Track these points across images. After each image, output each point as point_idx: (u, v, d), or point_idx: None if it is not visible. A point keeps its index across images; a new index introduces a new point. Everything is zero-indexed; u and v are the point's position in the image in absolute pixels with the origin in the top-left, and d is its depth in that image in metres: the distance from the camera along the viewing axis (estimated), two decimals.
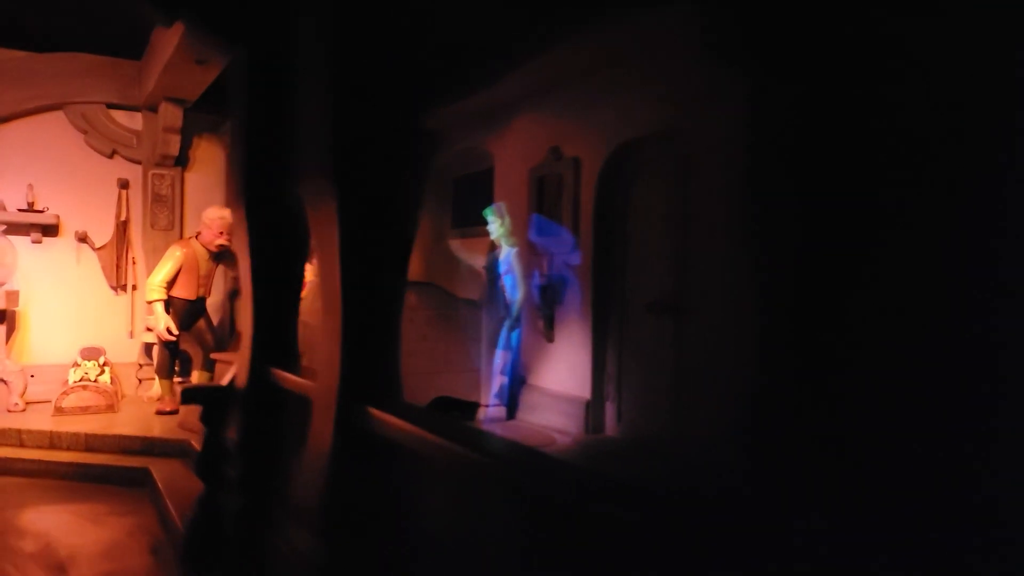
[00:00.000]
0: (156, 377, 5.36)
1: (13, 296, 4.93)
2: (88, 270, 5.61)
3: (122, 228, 5.67)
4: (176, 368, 5.00)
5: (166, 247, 5.60)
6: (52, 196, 5.46)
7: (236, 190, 2.73)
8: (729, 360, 3.53)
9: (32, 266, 5.36)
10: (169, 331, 4.67)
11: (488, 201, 5.11)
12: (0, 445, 4.26)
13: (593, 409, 4.36)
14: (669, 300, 3.87)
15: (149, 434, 4.25)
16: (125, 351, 5.61)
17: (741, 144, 3.44)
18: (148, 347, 5.62)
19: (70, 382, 4.94)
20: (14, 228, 5.25)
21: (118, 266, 5.62)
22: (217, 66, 4.63)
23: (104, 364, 5.16)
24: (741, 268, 3.46)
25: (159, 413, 4.79)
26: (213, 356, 4.77)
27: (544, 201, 4.73)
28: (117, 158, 5.71)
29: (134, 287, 5.70)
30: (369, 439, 1.89)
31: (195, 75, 4.80)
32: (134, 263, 5.71)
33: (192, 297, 4.87)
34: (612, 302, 4.34)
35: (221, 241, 4.80)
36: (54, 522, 3.40)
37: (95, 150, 5.64)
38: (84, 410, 4.75)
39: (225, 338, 5.55)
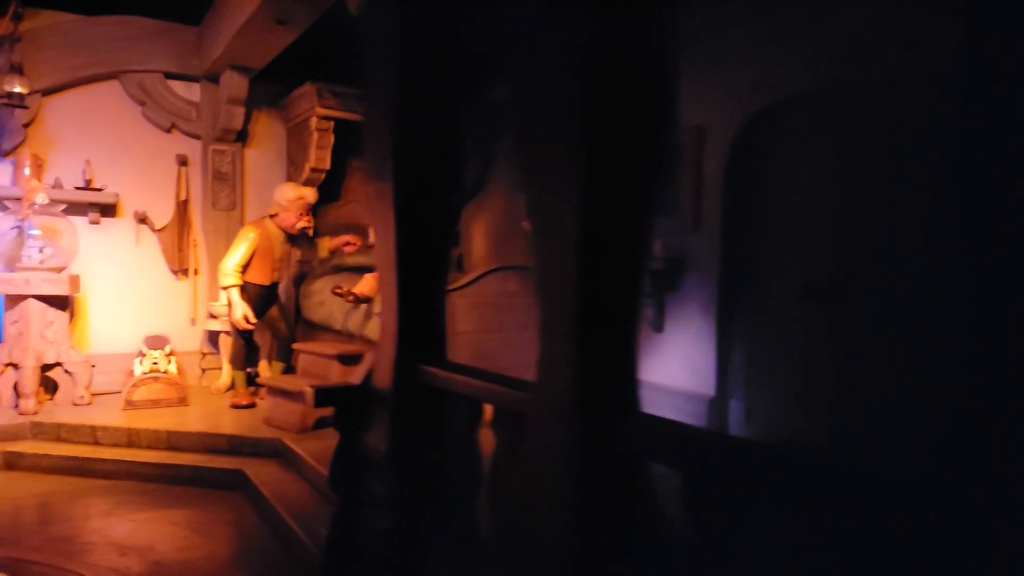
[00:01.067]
0: (223, 367, 5.02)
1: (75, 281, 4.56)
2: (148, 253, 5.24)
3: (182, 208, 5.28)
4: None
5: (228, 228, 5.23)
6: (109, 173, 5.07)
7: (381, 156, 2.34)
8: (905, 352, 3.13)
9: (90, 249, 4.98)
10: (246, 319, 4.31)
11: None
12: (74, 443, 3.91)
13: (717, 407, 3.97)
14: (826, 284, 3.45)
15: (235, 431, 3.90)
16: (187, 339, 5.25)
17: (933, 106, 2.96)
18: (212, 335, 5.26)
19: (136, 373, 4.59)
20: (71, 208, 4.86)
21: (179, 248, 5.24)
22: (298, 27, 4.21)
23: (170, 354, 4.81)
24: (929, 251, 3.05)
25: (235, 407, 4.44)
26: (296, 347, 4.40)
27: None
28: (175, 132, 5.31)
29: (195, 271, 5.33)
30: (627, 458, 1.52)
31: (271, 38, 4.38)
32: (195, 246, 5.33)
33: (266, 283, 4.50)
34: (742, 287, 3.93)
35: (303, 224, 4.41)
36: (153, 533, 3.05)
37: (153, 123, 5.24)
38: (155, 403, 4.41)
39: (294, 326, 5.18)
